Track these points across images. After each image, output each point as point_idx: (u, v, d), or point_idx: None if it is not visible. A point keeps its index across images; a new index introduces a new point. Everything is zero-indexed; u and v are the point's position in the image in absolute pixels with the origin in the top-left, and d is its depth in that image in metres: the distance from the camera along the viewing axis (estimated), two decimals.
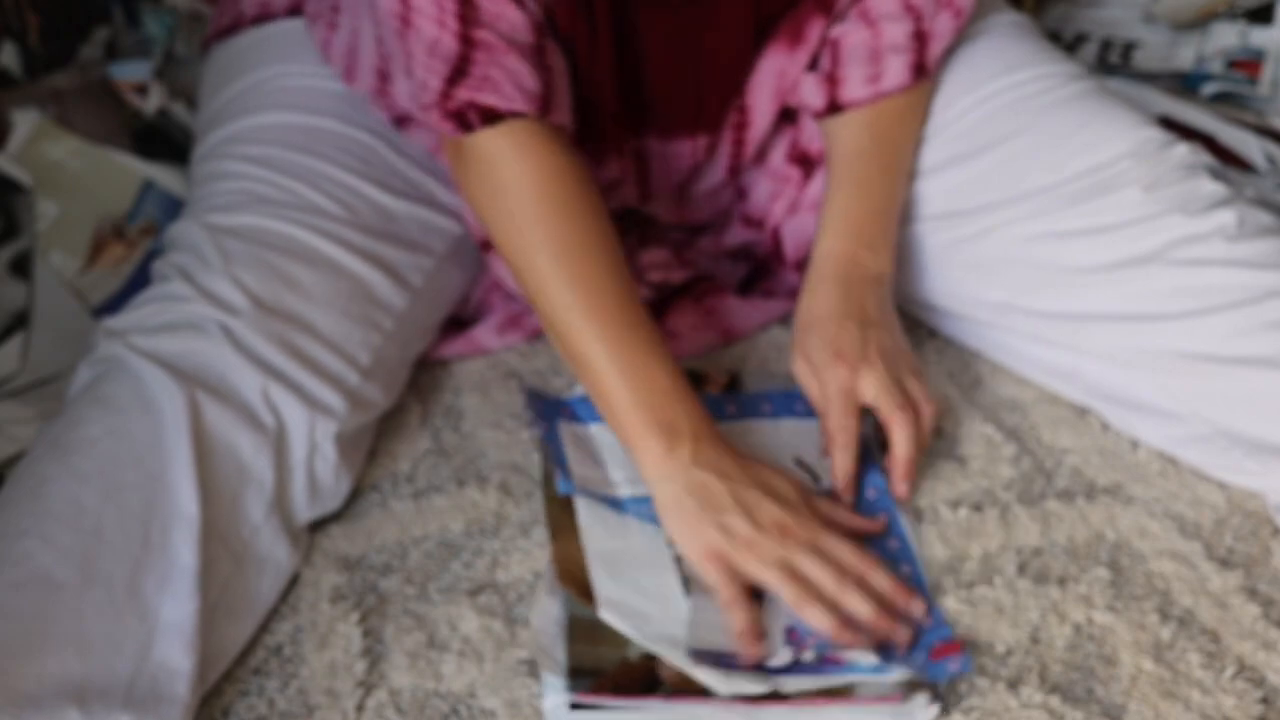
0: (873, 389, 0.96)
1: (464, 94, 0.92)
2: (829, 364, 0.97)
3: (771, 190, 1.15)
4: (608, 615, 0.88)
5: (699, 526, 0.89)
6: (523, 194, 0.94)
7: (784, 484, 0.92)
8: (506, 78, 0.92)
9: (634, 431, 0.91)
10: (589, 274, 0.93)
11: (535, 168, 0.94)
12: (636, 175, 1.11)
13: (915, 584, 0.93)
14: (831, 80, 1.06)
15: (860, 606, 0.86)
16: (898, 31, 1.04)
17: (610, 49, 0.99)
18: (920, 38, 1.05)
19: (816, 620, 0.86)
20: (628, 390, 0.91)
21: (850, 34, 1.05)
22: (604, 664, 0.86)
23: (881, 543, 0.95)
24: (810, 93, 1.07)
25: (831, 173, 1.06)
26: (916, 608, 0.88)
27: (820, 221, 1.04)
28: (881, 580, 0.88)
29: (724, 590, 0.88)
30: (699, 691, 0.85)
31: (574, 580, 0.91)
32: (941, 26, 1.05)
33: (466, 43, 0.91)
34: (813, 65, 1.08)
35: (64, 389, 1.09)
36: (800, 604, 0.86)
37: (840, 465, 0.97)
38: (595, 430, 0.94)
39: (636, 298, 0.95)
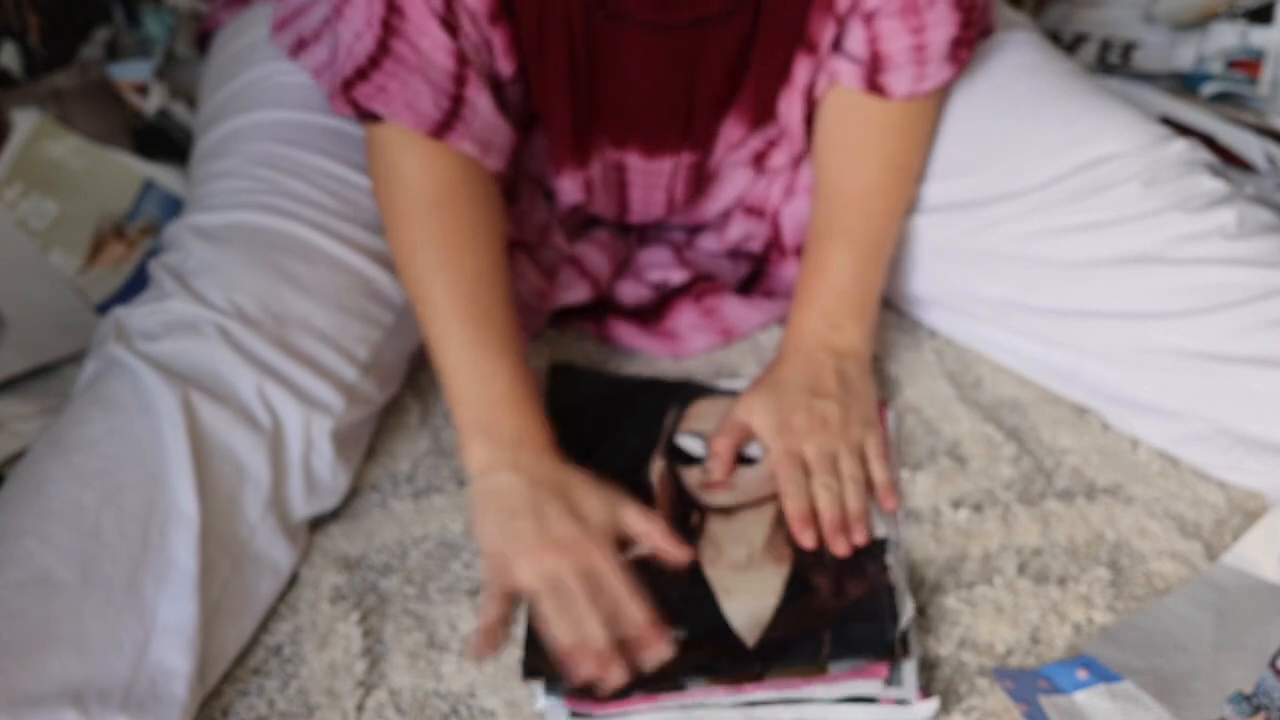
0: (811, 454, 0.99)
1: (361, 93, 0.95)
2: (777, 431, 1.00)
3: (766, 179, 1.15)
4: None
5: (488, 524, 0.92)
6: (415, 187, 0.97)
7: (593, 501, 0.92)
8: (402, 93, 0.94)
9: (462, 430, 0.95)
10: (463, 271, 0.96)
11: (429, 167, 0.97)
12: (610, 193, 1.11)
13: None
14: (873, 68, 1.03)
15: (597, 633, 0.86)
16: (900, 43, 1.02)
17: (566, 72, 0.99)
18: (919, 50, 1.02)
19: (558, 633, 0.86)
20: (463, 389, 0.95)
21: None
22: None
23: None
24: (847, 73, 1.05)
25: (803, 251, 1.08)
26: (659, 651, 0.87)
27: (793, 297, 1.07)
28: (635, 614, 0.88)
29: (488, 586, 0.91)
30: (677, 686, 0.85)
31: None
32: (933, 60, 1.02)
33: (382, 48, 0.93)
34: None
35: (65, 383, 1.09)
36: (552, 615, 0.87)
37: (718, 457, 1.00)
38: (1080, 699, 0.88)
39: (505, 303, 0.97)
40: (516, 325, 0.98)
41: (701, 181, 1.12)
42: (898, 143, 1.06)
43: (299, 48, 1.09)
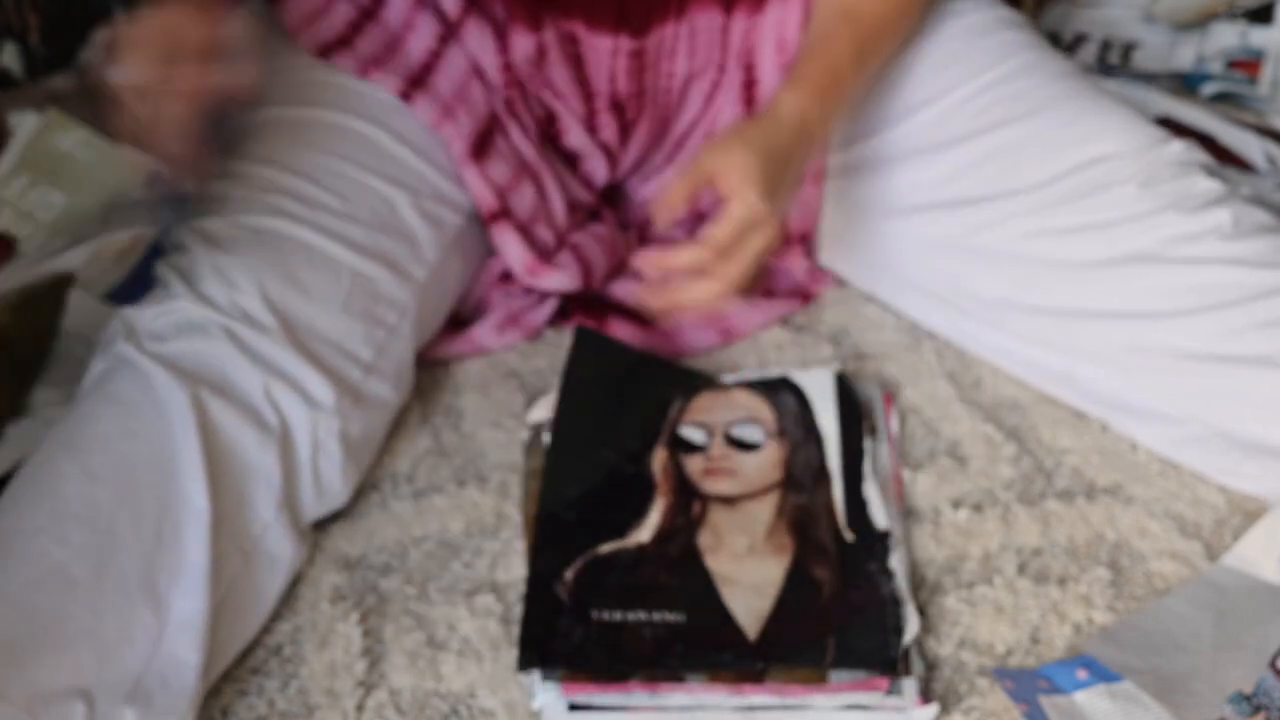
0: (755, 174, 0.93)
1: None
2: (751, 197, 0.94)
3: None
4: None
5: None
6: None
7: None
8: None
9: None
10: None
11: None
12: (566, 66, 1.11)
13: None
14: None
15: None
16: None
17: None
18: None
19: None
20: None
21: None
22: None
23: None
24: None
25: (804, 44, 1.06)
26: None
27: (788, 73, 1.04)
28: None
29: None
30: (677, 676, 0.86)
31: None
32: None
33: None
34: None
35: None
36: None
37: (676, 190, 0.95)
38: (1080, 699, 0.87)
39: None
40: None
41: (651, 76, 1.11)
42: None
43: (327, 51, 1.09)
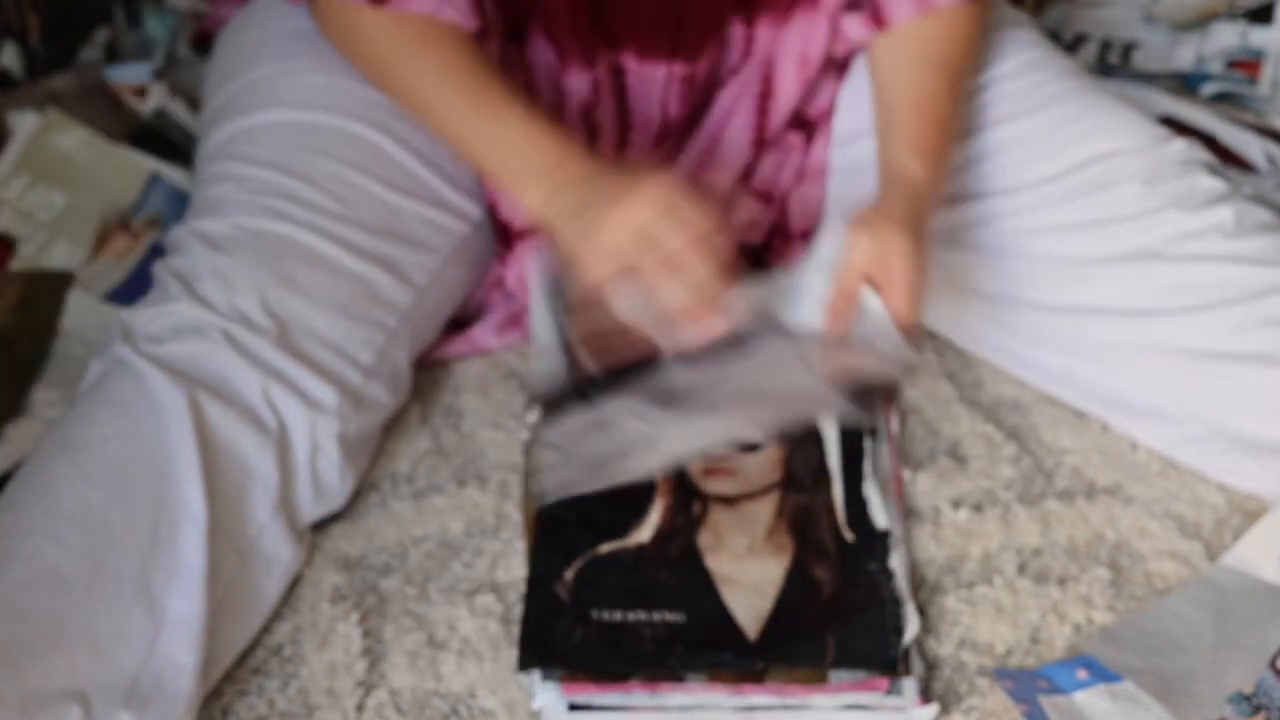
0: (913, 260, 0.94)
1: None
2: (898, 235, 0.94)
3: (776, 160, 1.15)
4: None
5: (570, 240, 0.92)
6: (380, 40, 1.00)
7: (653, 183, 0.91)
8: None
9: (508, 188, 0.97)
10: (445, 63, 0.99)
11: (386, 23, 0.99)
12: (612, 99, 1.10)
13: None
14: (873, 6, 1.05)
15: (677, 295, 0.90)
16: None
17: None
18: None
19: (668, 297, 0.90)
20: (488, 152, 0.97)
21: None
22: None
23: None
24: (854, 28, 1.07)
25: (890, 92, 1.04)
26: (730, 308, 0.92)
27: (886, 140, 1.02)
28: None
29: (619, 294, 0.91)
30: (677, 676, 0.86)
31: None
32: None
33: None
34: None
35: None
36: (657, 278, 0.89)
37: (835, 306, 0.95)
38: (1080, 699, 0.87)
39: (496, 71, 0.99)
40: (518, 86, 0.99)
41: (698, 97, 1.11)
42: (976, 30, 1.07)
43: None
